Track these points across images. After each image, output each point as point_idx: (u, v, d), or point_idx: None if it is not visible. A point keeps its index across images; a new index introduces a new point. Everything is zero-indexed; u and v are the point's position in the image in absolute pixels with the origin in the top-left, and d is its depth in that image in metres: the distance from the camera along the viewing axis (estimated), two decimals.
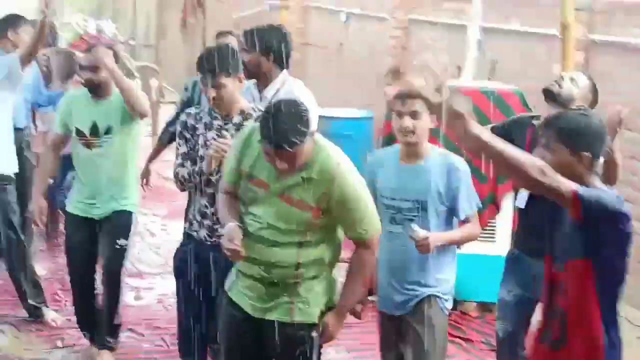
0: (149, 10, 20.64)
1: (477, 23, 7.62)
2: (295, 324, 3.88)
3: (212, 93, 4.42)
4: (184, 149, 4.60)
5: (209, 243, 4.52)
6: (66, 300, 6.72)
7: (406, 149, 4.35)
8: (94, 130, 5.41)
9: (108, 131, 5.40)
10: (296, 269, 3.83)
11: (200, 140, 4.52)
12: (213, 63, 4.40)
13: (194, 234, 4.61)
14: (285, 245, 3.80)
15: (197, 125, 4.59)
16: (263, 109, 3.92)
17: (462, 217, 4.38)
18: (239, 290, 3.96)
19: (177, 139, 4.67)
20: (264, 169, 3.82)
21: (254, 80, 5.27)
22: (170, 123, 6.10)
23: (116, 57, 5.42)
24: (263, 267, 3.83)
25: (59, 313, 6.46)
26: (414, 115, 4.22)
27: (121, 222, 5.49)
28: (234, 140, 4.12)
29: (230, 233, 3.74)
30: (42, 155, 5.88)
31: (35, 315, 6.33)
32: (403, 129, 4.26)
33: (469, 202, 4.37)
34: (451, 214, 4.38)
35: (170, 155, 5.26)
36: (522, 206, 4.63)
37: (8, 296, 6.68)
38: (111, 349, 5.66)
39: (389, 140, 5.97)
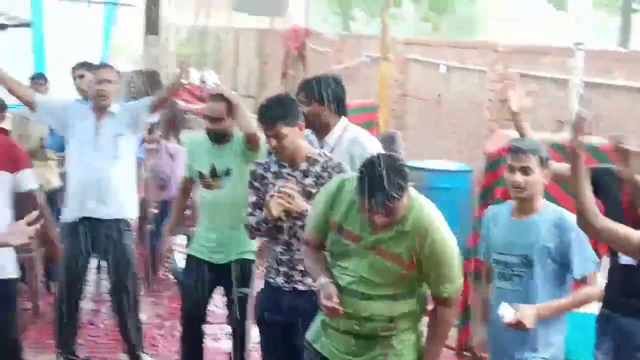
0: (251, 61, 21.01)
1: (579, 77, 7.54)
2: None
3: (273, 142, 4.47)
4: (253, 198, 4.64)
5: (286, 289, 4.53)
6: (164, 346, 6.81)
7: (518, 204, 4.29)
8: (213, 172, 5.50)
9: (227, 173, 5.49)
10: (390, 322, 3.81)
11: (269, 189, 4.54)
12: (272, 113, 4.47)
13: (271, 281, 4.64)
14: (379, 298, 3.79)
15: (265, 175, 4.63)
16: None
17: (578, 276, 4.21)
18: (327, 342, 3.95)
19: (248, 189, 4.72)
20: (355, 222, 3.82)
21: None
22: None
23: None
24: (356, 321, 3.81)
25: (156, 358, 6.54)
26: (525, 170, 4.17)
27: (243, 271, 5.48)
28: (321, 192, 4.09)
29: (326, 290, 3.75)
30: (176, 200, 6.02)
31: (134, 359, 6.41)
32: (514, 185, 4.21)
33: (583, 260, 4.18)
34: (563, 272, 4.22)
35: None
36: (632, 263, 4.33)
37: (107, 340, 6.79)
38: None
39: (487, 193, 5.93)
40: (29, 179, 5.14)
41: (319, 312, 4.02)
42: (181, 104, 13.78)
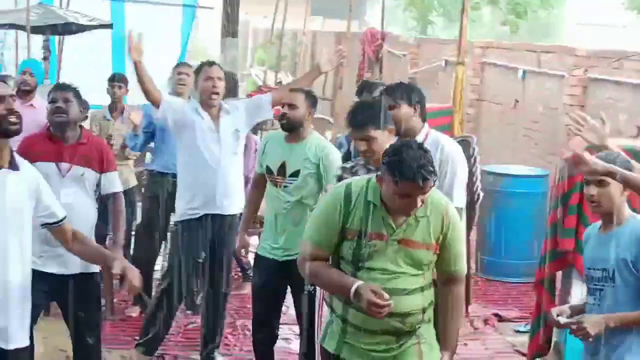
0: None
1: None
2: None
3: (362, 146, 4.49)
4: None
5: None
6: (235, 345, 6.87)
7: (601, 217, 4.18)
8: (281, 170, 5.56)
9: (295, 174, 5.53)
10: (423, 313, 3.90)
11: None
12: (363, 116, 4.48)
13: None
14: (413, 292, 3.85)
15: None
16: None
17: None
18: (355, 347, 3.91)
19: None
20: (376, 222, 3.85)
21: None
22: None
23: None
24: (399, 319, 3.84)
25: (227, 357, 6.60)
26: (600, 183, 4.05)
27: None
28: (322, 206, 4.03)
29: (368, 293, 3.68)
30: (249, 195, 6.06)
31: (207, 358, 6.46)
32: (588, 198, 4.14)
33: None
34: None
35: None
36: None
37: (182, 338, 6.88)
38: None
39: (566, 198, 5.85)
40: (115, 182, 5.29)
41: (330, 320, 4.01)
42: None
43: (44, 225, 4.21)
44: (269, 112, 6.41)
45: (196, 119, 6.15)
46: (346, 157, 5.92)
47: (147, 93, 6.03)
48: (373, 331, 3.87)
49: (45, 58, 13.50)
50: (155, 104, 6.11)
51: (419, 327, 3.91)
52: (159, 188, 7.18)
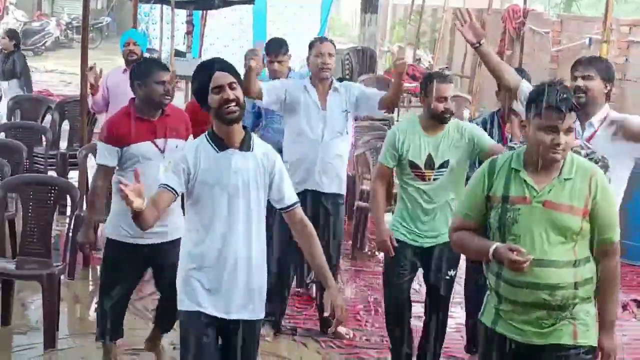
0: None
1: None
2: (577, 347, 3.86)
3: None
4: None
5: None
6: (366, 321, 6.91)
7: None
8: (430, 163, 5.48)
9: (443, 165, 5.47)
10: (575, 288, 3.81)
11: None
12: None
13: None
14: (562, 265, 3.79)
15: None
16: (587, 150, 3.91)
17: None
18: (509, 321, 3.92)
19: None
20: (518, 185, 3.86)
21: None
22: None
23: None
24: (547, 291, 3.80)
25: (360, 332, 6.64)
26: None
27: (451, 253, 5.43)
28: (472, 179, 4.10)
29: (507, 251, 3.72)
30: (374, 188, 5.83)
31: (328, 328, 6.49)
32: None
33: None
34: None
35: None
36: None
37: (314, 312, 6.95)
38: None
39: None
40: None
41: (487, 295, 4.03)
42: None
43: (279, 209, 4.33)
44: (374, 109, 6.35)
45: (302, 95, 6.22)
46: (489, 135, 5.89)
47: (249, 93, 6.03)
48: (524, 304, 3.85)
49: (188, 32, 13.81)
50: (259, 98, 6.19)
51: (573, 305, 3.83)
52: None
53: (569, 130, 3.77)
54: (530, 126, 3.82)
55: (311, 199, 6.22)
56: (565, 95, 3.76)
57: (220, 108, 4.05)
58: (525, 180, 3.85)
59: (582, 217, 3.81)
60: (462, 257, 5.38)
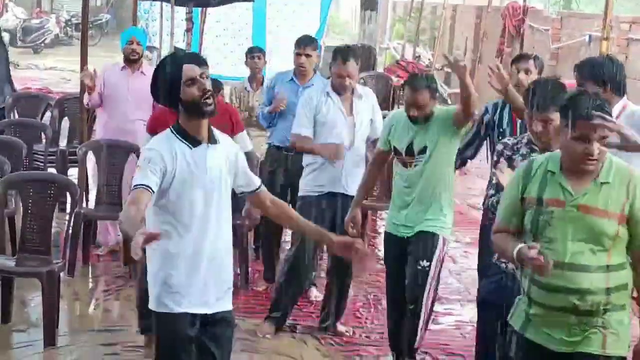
0: (466, 38, 20.81)
1: None
2: (606, 357, 3.78)
3: (539, 127, 4.40)
4: (494, 178, 4.59)
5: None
6: (366, 318, 6.91)
7: None
8: (410, 149, 5.52)
9: (422, 151, 5.50)
10: (607, 294, 3.73)
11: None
12: (546, 98, 4.38)
13: (502, 265, 4.58)
14: (595, 270, 3.72)
15: (513, 157, 4.57)
16: None
17: None
18: (538, 326, 3.87)
19: (492, 169, 4.67)
20: (553, 188, 3.80)
21: None
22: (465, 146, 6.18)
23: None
24: (577, 296, 3.72)
25: (360, 330, 6.65)
26: None
27: (425, 244, 5.51)
28: (509, 182, 4.07)
29: (526, 250, 3.65)
30: (367, 169, 6.01)
31: (332, 325, 6.52)
32: None
33: None
34: None
35: (473, 183, 5.27)
36: None
37: (314, 309, 6.97)
38: None
39: None
40: (247, 140, 5.44)
41: (519, 299, 3.98)
42: (395, 79, 13.84)
43: (242, 194, 4.33)
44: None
45: (324, 100, 6.25)
46: (489, 125, 6.08)
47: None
48: (554, 308, 3.78)
49: (188, 30, 13.79)
50: None
51: (605, 312, 3.75)
52: (275, 162, 7.27)
53: (602, 138, 3.69)
54: (562, 135, 3.76)
55: (335, 201, 6.27)
56: (597, 103, 3.69)
57: (199, 100, 3.95)
58: (561, 183, 3.78)
59: (618, 222, 3.73)
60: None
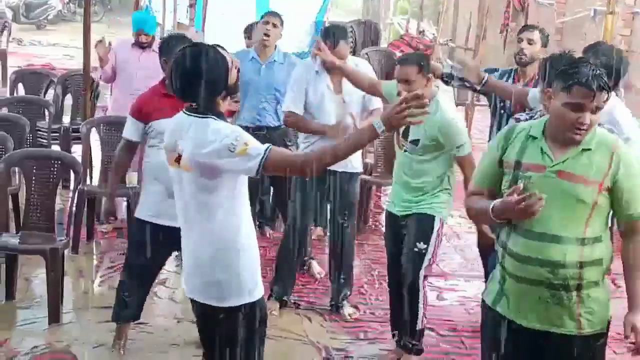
0: (471, 13, 20.70)
1: None
2: (584, 336, 3.70)
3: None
4: None
5: None
6: (370, 294, 6.91)
7: None
8: (405, 133, 5.48)
9: (415, 142, 5.44)
10: (579, 268, 3.63)
11: None
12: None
13: None
14: (568, 241, 3.62)
15: None
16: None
17: None
18: (511, 300, 3.77)
19: None
20: (534, 152, 3.71)
21: None
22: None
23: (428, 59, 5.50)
24: (548, 268, 3.63)
25: (364, 306, 6.65)
26: None
27: (422, 225, 5.48)
28: (489, 145, 4.03)
29: (508, 198, 3.55)
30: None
31: (335, 307, 6.54)
32: None
33: None
34: None
35: (477, 159, 5.22)
36: None
37: (318, 285, 6.97)
38: (416, 352, 5.66)
39: None
40: None
41: (494, 273, 3.90)
42: (398, 54, 13.78)
43: None
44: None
45: (313, 78, 6.24)
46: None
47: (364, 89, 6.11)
48: (527, 281, 3.67)
49: (191, 5, 13.72)
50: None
51: (578, 288, 3.65)
52: None
53: (597, 109, 3.60)
54: (555, 98, 3.64)
55: (330, 177, 6.26)
56: (598, 72, 3.58)
57: (237, 81, 4.00)
58: (542, 148, 3.69)
59: (598, 191, 3.63)
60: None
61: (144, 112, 5.39)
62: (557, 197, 3.61)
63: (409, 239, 5.51)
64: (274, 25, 7.02)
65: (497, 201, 3.64)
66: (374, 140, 4.15)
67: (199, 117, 3.90)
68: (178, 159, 3.93)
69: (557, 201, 3.61)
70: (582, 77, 3.56)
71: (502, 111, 6.26)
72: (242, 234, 3.97)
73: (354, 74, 5.95)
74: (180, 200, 4.00)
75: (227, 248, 3.94)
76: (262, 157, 3.76)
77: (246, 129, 7.15)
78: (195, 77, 3.86)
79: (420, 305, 5.52)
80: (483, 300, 3.95)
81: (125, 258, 5.72)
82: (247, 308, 3.99)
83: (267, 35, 7.04)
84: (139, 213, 5.46)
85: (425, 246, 5.46)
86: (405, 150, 5.51)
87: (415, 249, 5.46)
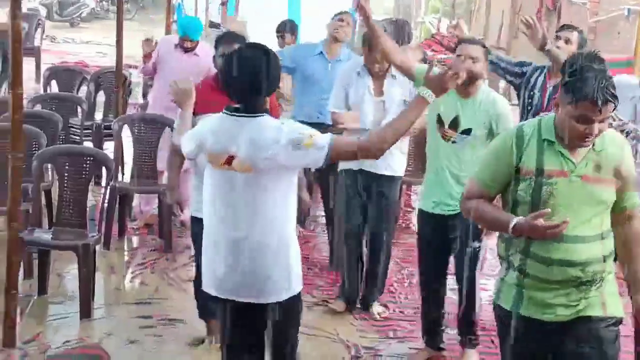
0: (503, 11, 20.62)
1: None
2: (606, 318, 3.73)
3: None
4: None
5: None
6: (400, 293, 6.90)
7: None
8: (454, 123, 5.38)
9: (466, 132, 5.36)
10: (604, 262, 3.70)
11: None
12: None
13: None
14: (591, 239, 3.67)
15: None
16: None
17: None
18: (534, 300, 3.76)
19: None
20: (553, 158, 3.68)
21: None
22: None
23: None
24: (579, 267, 3.65)
25: (394, 305, 6.65)
26: None
27: (475, 224, 5.29)
28: (492, 146, 3.94)
29: (533, 216, 3.55)
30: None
31: (365, 306, 6.53)
32: None
33: None
34: None
35: None
36: None
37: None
38: (474, 346, 5.69)
39: None
40: None
41: (501, 278, 3.90)
42: (430, 54, 13.76)
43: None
44: None
45: (354, 80, 6.21)
46: (525, 82, 6.26)
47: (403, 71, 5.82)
48: (553, 282, 3.69)
49: (223, 3, 13.82)
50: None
51: (602, 279, 3.72)
52: None
53: (603, 120, 3.57)
54: (562, 108, 3.61)
55: (366, 178, 6.23)
56: (603, 84, 3.49)
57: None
58: (561, 153, 3.67)
59: (613, 188, 3.71)
60: None
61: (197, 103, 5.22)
62: (582, 200, 3.66)
63: (462, 238, 5.44)
64: (348, 24, 7.08)
65: (521, 220, 3.60)
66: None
67: (251, 116, 3.91)
68: (229, 161, 3.91)
69: (582, 204, 3.66)
70: (587, 91, 3.49)
71: (530, 107, 6.19)
72: (292, 226, 4.03)
73: (385, 39, 5.56)
74: (227, 200, 3.95)
75: (287, 243, 4.00)
76: (329, 146, 3.83)
77: (302, 123, 7.18)
78: (254, 77, 3.89)
79: (477, 299, 5.57)
80: (499, 307, 3.95)
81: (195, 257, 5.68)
82: (297, 300, 4.08)
83: (337, 31, 7.08)
84: (197, 212, 5.39)
85: (479, 244, 5.45)
86: (453, 142, 5.40)
87: (469, 248, 5.44)
